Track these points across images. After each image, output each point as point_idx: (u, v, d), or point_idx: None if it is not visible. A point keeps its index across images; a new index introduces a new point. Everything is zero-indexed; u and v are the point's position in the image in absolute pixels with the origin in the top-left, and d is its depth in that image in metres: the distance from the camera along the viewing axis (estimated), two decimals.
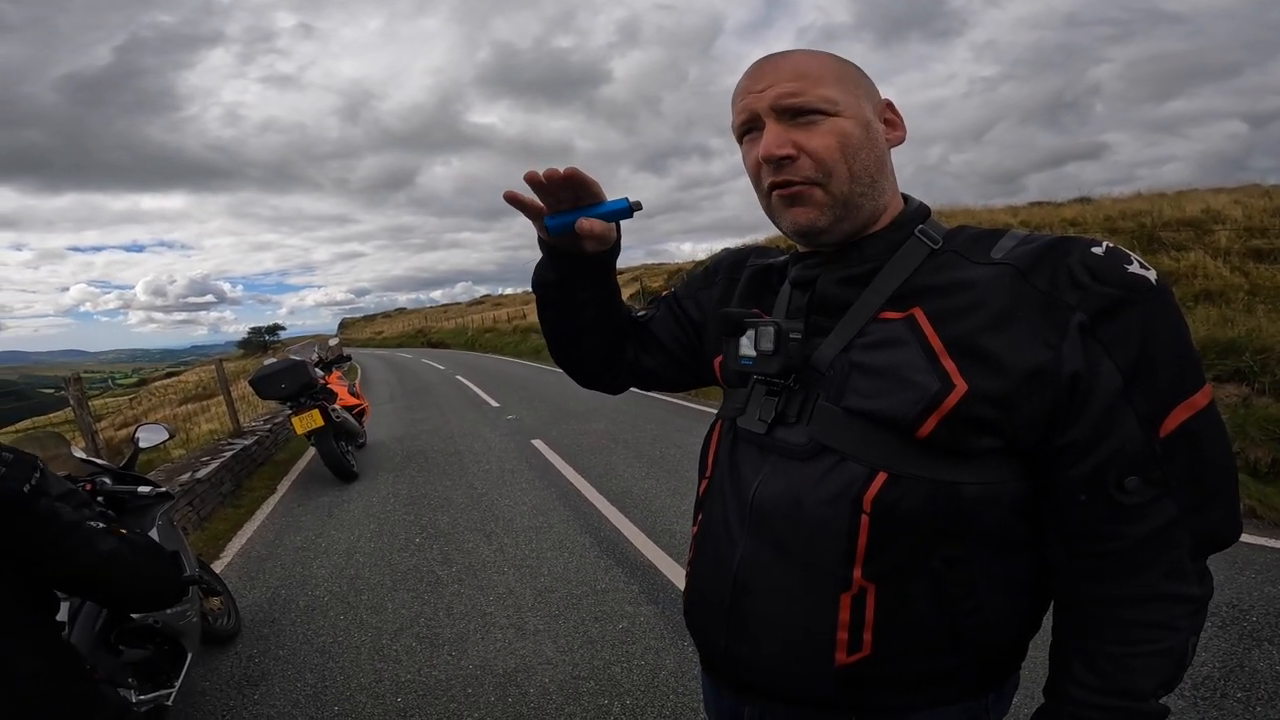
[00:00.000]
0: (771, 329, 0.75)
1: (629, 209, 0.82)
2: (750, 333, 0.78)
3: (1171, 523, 0.63)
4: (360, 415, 7.24)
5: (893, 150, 0.77)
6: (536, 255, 0.92)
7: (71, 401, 5.88)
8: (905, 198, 0.79)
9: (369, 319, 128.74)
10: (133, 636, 2.32)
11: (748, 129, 0.75)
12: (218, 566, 4.23)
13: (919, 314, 0.69)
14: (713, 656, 0.84)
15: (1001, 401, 0.64)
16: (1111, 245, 0.66)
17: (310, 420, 5.88)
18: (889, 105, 0.77)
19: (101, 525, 1.28)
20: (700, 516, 0.87)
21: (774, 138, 0.70)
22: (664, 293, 1.06)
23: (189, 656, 2.44)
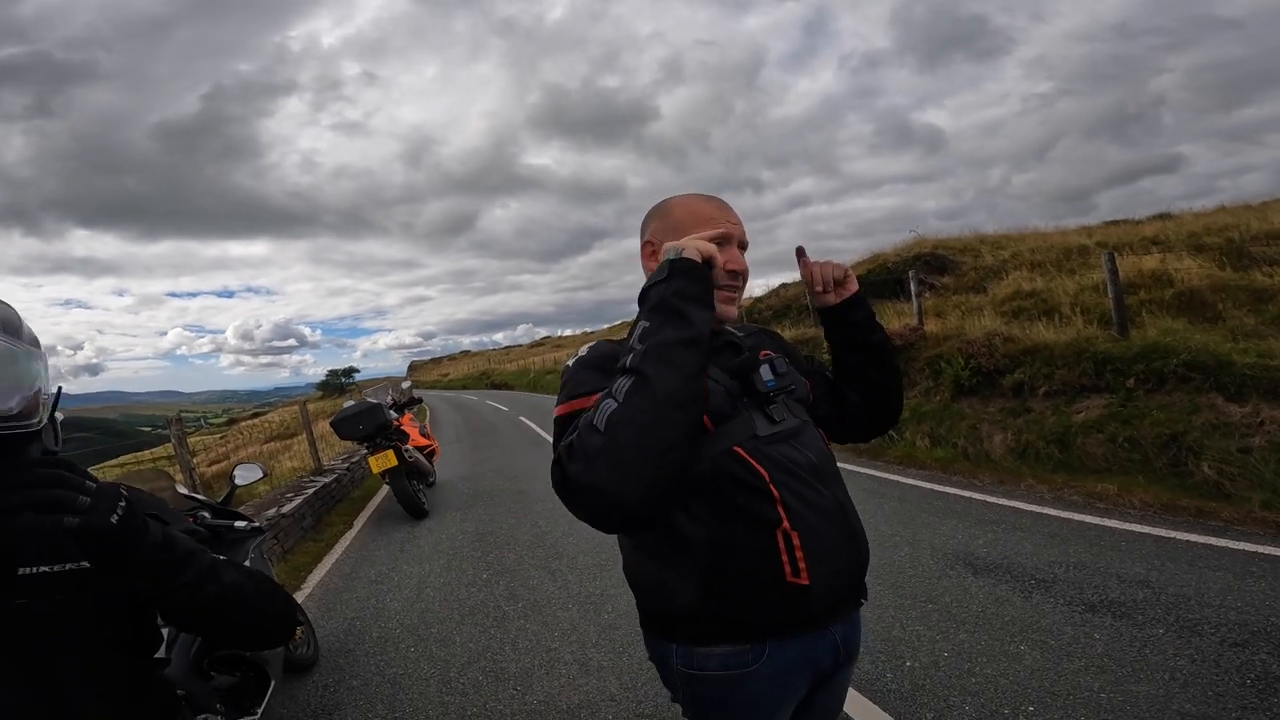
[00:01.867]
0: (781, 359, 1.20)
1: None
2: (766, 366, 1.16)
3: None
4: (430, 455, 7.50)
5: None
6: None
7: (172, 440, 6.33)
8: None
9: (435, 361, 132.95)
10: (223, 664, 2.47)
11: (719, 241, 1.13)
12: (299, 597, 4.43)
13: (774, 355, 1.21)
14: (849, 580, 1.18)
15: (810, 377, 1.34)
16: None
17: (385, 460, 6.15)
18: None
19: (223, 557, 1.21)
20: (782, 509, 1.09)
21: (743, 260, 1.19)
22: (585, 394, 1.08)
23: (272, 684, 2.56)
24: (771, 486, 1.08)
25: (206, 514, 2.93)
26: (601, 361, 1.11)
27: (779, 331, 1.42)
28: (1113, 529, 4.07)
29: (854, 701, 2.49)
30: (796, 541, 1.08)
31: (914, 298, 9.05)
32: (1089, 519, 4.30)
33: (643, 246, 1.22)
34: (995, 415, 6.53)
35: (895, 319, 10.19)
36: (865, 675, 2.67)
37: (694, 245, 1.03)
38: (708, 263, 1.02)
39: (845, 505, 1.17)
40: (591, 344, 1.17)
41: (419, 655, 3.32)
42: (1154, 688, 2.37)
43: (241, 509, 6.62)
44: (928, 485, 5.60)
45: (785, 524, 1.08)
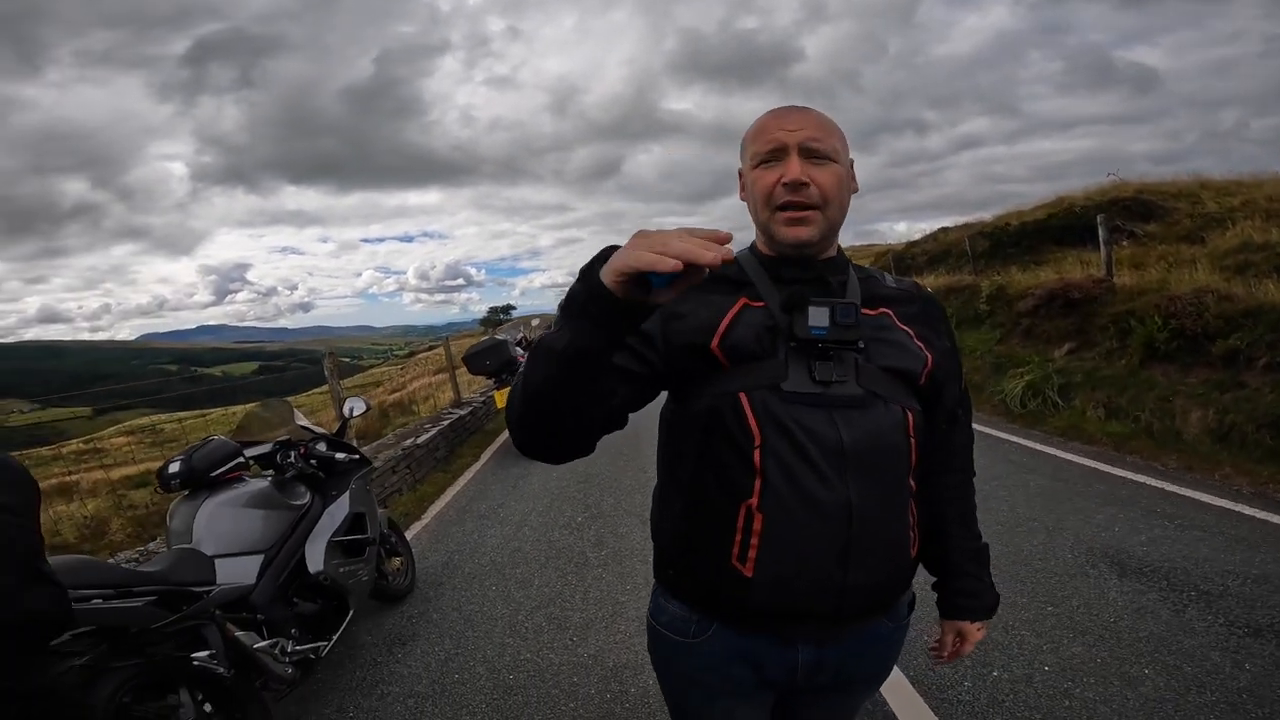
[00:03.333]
0: (850, 307, 0.92)
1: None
2: (824, 309, 0.91)
3: (971, 437, 1.18)
4: None
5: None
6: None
7: (326, 374, 7.01)
8: None
9: None
10: (307, 590, 2.64)
11: (767, 159, 0.95)
12: (418, 526, 4.76)
13: (890, 313, 1.02)
14: (810, 605, 0.94)
15: (940, 367, 1.01)
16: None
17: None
18: (852, 164, 1.02)
19: None
20: (758, 483, 0.91)
21: (799, 167, 0.93)
22: None
23: (350, 613, 2.72)
24: (757, 452, 0.91)
25: (322, 445, 3.15)
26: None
27: (924, 284, 1.23)
28: None
29: (911, 706, 2.18)
30: (757, 525, 0.92)
31: (1102, 244, 7.72)
32: None
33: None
34: (1195, 388, 5.42)
35: (1078, 268, 8.83)
36: (939, 680, 2.32)
37: (618, 262, 0.68)
38: (644, 276, 0.68)
39: (860, 513, 0.90)
40: None
41: (497, 595, 3.41)
42: None
43: (387, 436, 7.26)
44: (1090, 464, 4.78)
45: (753, 500, 0.91)
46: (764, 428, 0.91)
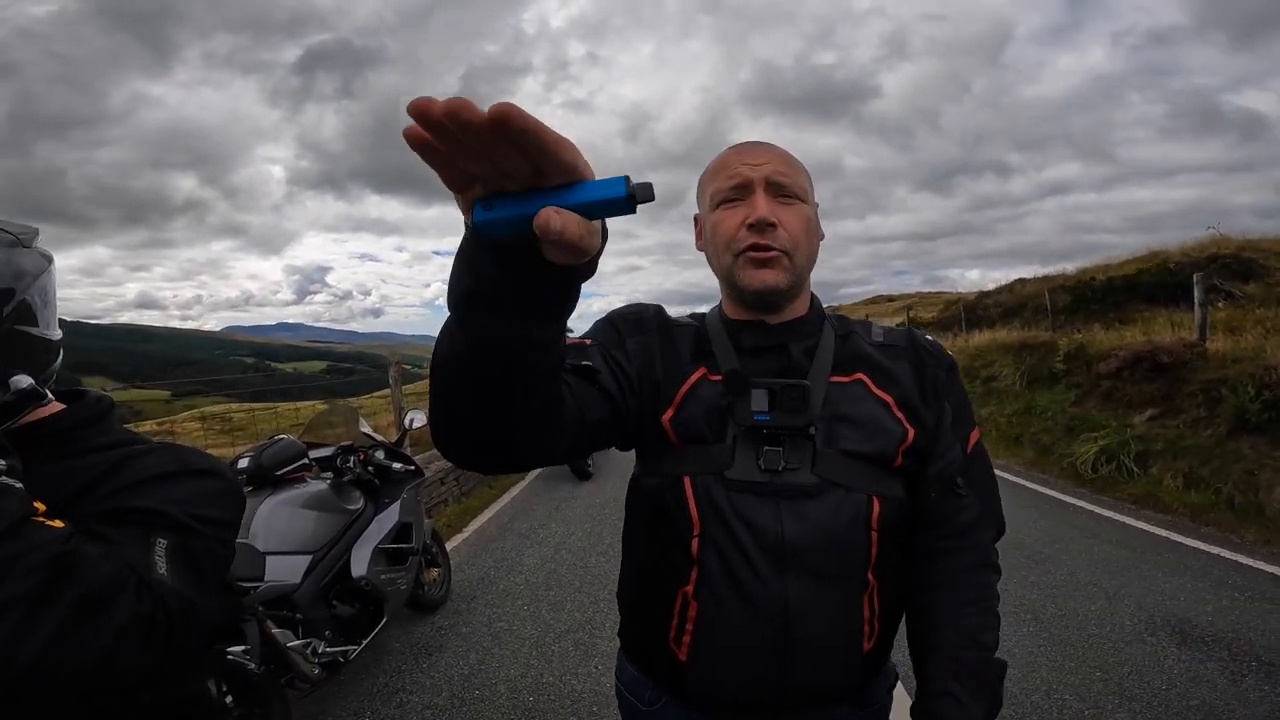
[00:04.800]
0: (798, 388, 0.84)
1: (627, 198, 0.42)
2: (764, 392, 0.85)
3: (979, 516, 0.92)
4: None
5: None
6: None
7: (390, 381, 7.23)
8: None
9: None
10: (346, 594, 2.69)
11: (730, 196, 0.88)
12: (460, 538, 4.83)
13: (866, 379, 0.90)
14: (745, 697, 0.88)
15: (926, 438, 0.90)
16: (929, 335, 1.00)
17: None
18: (817, 207, 0.94)
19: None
20: (695, 572, 0.87)
21: (765, 205, 0.85)
22: (583, 338, 0.91)
23: (384, 620, 2.75)
24: (695, 541, 0.86)
25: (381, 453, 3.24)
26: (620, 319, 0.95)
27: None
28: None
29: None
30: (692, 613, 0.87)
31: (1197, 306, 7.28)
32: None
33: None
34: None
35: (1169, 329, 8.34)
36: None
37: None
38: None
39: (798, 612, 0.83)
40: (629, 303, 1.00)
41: (528, 615, 3.41)
42: None
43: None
44: (1163, 533, 4.48)
45: (689, 588, 0.87)
46: (704, 517, 0.86)
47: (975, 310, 14.39)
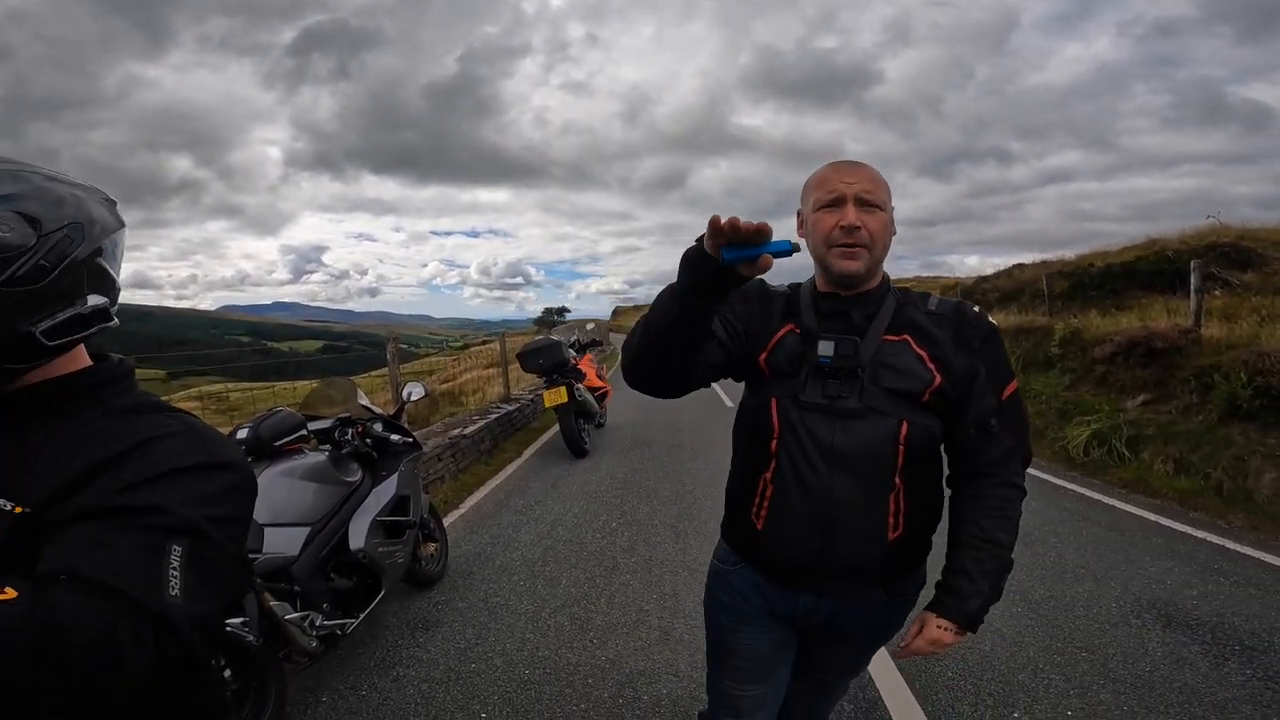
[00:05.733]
0: (849, 341, 1.18)
1: (790, 250, 0.95)
2: (830, 343, 1.19)
3: (1010, 450, 1.22)
4: (602, 397, 7.75)
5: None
6: (802, 258, 1.11)
7: (388, 358, 7.23)
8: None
9: (638, 308, 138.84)
10: (344, 567, 2.70)
11: (828, 204, 1.17)
12: (456, 514, 4.86)
13: (909, 339, 1.20)
14: (800, 561, 1.23)
15: (954, 383, 1.18)
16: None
17: (557, 396, 6.48)
18: (893, 211, 1.22)
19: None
20: (773, 464, 1.23)
21: (853, 215, 1.15)
22: None
23: (381, 593, 2.77)
24: (774, 441, 1.22)
25: (379, 425, 3.25)
26: (751, 290, 1.32)
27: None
28: None
29: None
30: (769, 494, 1.24)
31: (1193, 292, 7.30)
32: None
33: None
34: (1275, 449, 5.06)
35: (1164, 316, 8.37)
36: (959, 717, 2.26)
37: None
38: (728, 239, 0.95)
39: (840, 499, 1.17)
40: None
41: (524, 590, 3.44)
42: None
43: (435, 424, 7.44)
44: (1153, 517, 4.53)
45: (768, 475, 1.23)
46: (782, 426, 1.21)
47: (973, 294, 14.40)
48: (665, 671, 2.60)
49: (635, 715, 2.34)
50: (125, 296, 0.85)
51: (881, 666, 2.53)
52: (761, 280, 1.27)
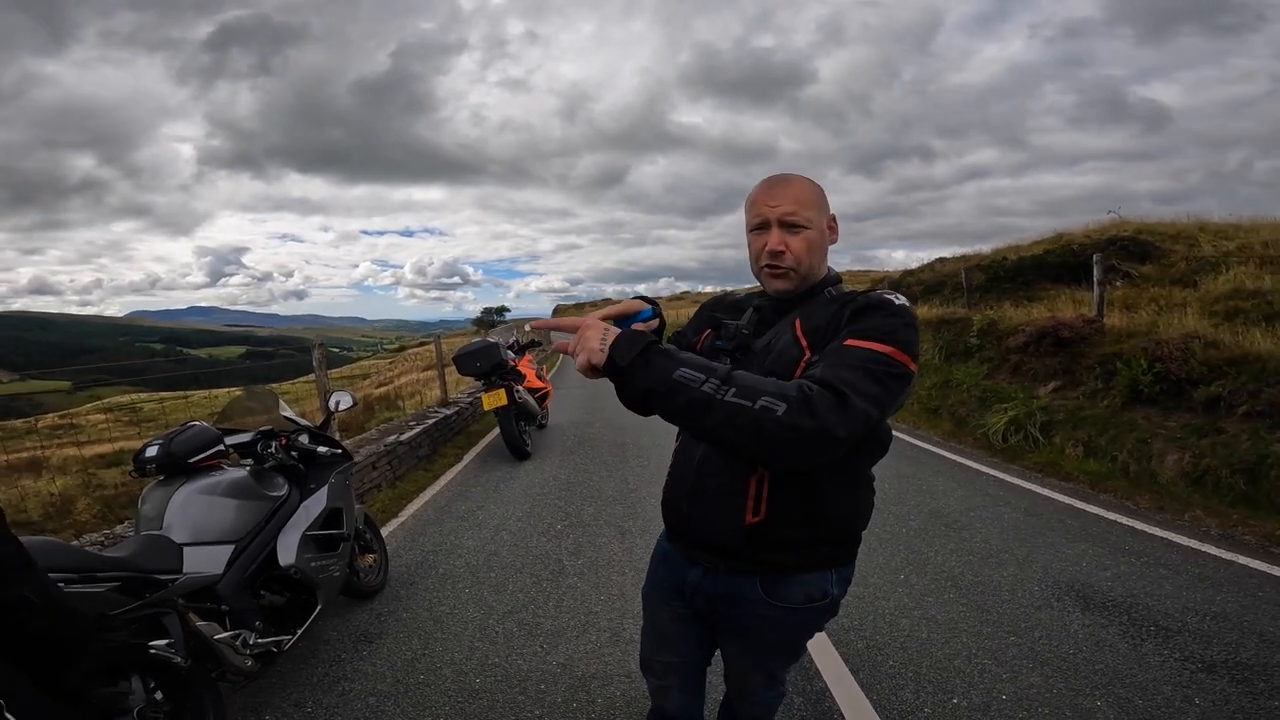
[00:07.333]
0: (736, 328, 1.34)
1: (652, 315, 1.36)
2: (727, 329, 1.35)
3: (817, 377, 1.06)
4: (543, 398, 7.69)
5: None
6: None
7: (314, 364, 6.95)
8: (829, 269, 1.35)
9: (579, 306, 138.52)
10: (275, 583, 2.60)
11: (756, 227, 1.29)
12: (395, 524, 4.72)
13: (798, 326, 1.26)
14: (676, 521, 1.41)
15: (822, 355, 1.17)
16: (894, 294, 1.21)
17: (496, 399, 6.38)
18: (833, 218, 1.33)
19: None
20: (680, 436, 1.41)
21: (776, 240, 1.26)
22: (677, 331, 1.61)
23: (318, 608, 2.67)
24: None
25: (304, 437, 3.11)
26: (704, 306, 1.61)
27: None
28: None
29: None
30: (673, 461, 1.44)
31: (1095, 285, 7.81)
32: (1257, 565, 3.51)
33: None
34: (1174, 432, 5.48)
35: (1071, 306, 8.92)
36: (903, 704, 2.34)
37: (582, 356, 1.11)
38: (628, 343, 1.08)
39: (708, 471, 1.30)
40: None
41: (470, 598, 3.39)
42: None
43: (370, 431, 7.21)
44: (1066, 500, 4.83)
45: (677, 444, 1.44)
46: None
47: (900, 287, 14.98)
48: (617, 673, 2.61)
49: (590, 719, 2.34)
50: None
51: (827, 657, 2.61)
52: (718, 298, 1.55)
